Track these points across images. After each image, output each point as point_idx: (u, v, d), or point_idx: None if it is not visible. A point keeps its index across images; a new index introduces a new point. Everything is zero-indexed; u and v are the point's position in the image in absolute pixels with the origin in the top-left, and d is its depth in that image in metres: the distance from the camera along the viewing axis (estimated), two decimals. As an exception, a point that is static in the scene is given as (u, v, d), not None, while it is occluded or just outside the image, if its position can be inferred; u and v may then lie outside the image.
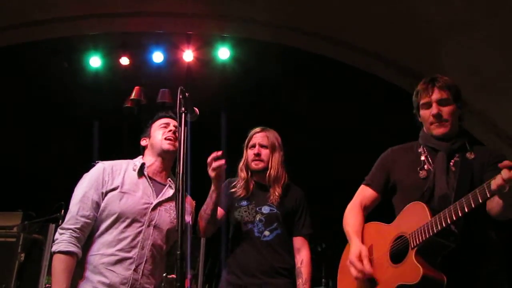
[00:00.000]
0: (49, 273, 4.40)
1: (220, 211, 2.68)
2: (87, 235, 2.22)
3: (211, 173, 2.45)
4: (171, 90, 5.66)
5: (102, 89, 5.99)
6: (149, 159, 2.45)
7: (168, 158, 2.45)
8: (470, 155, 2.07)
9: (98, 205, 2.24)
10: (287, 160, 2.89)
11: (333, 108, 5.70)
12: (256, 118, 3.30)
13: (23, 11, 4.39)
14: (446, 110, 2.10)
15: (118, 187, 2.27)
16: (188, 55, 5.58)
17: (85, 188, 2.28)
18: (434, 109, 2.10)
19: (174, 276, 1.73)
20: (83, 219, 2.20)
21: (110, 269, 2.14)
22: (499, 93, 4.19)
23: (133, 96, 5.80)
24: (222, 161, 2.40)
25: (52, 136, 7.30)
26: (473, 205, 1.72)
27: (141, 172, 2.37)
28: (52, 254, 2.15)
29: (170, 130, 2.44)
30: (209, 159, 2.43)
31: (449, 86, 2.12)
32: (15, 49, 4.93)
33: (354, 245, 2.13)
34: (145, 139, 2.52)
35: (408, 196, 2.12)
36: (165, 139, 2.42)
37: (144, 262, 2.20)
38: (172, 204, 2.37)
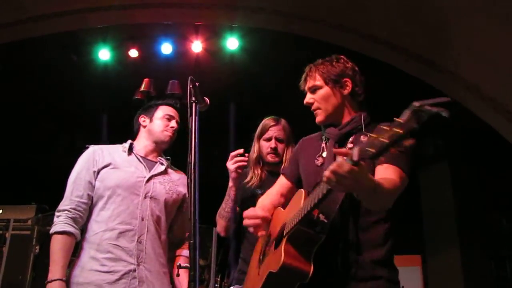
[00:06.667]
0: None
1: None
2: (86, 217, 2.27)
3: (233, 172, 2.56)
4: (181, 81, 5.65)
5: (112, 81, 6.00)
6: (143, 141, 2.52)
7: (162, 146, 2.53)
8: (363, 138, 1.80)
9: (91, 184, 2.30)
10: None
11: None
12: (265, 108, 3.29)
13: (30, 6, 4.39)
14: (316, 97, 1.99)
15: (110, 163, 2.35)
16: (196, 46, 5.57)
17: (77, 170, 2.35)
18: (305, 98, 2.04)
19: (187, 265, 1.75)
20: (77, 199, 2.26)
21: (114, 244, 2.19)
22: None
23: (142, 88, 5.79)
24: (246, 158, 2.54)
25: (62, 130, 7.34)
26: (323, 192, 1.56)
27: (130, 151, 2.45)
28: (50, 236, 2.19)
29: (172, 127, 2.49)
30: (233, 153, 2.55)
31: (318, 69, 2.00)
32: (23, 44, 4.94)
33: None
34: (145, 119, 2.54)
35: (306, 183, 2.05)
36: (166, 131, 2.49)
37: (146, 233, 2.24)
38: (165, 176, 2.46)
